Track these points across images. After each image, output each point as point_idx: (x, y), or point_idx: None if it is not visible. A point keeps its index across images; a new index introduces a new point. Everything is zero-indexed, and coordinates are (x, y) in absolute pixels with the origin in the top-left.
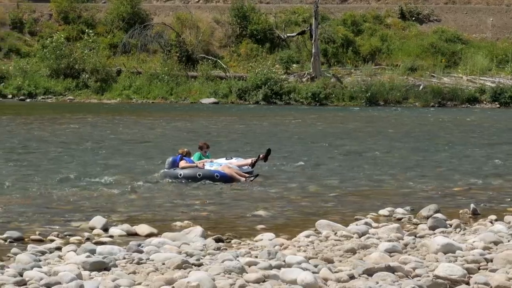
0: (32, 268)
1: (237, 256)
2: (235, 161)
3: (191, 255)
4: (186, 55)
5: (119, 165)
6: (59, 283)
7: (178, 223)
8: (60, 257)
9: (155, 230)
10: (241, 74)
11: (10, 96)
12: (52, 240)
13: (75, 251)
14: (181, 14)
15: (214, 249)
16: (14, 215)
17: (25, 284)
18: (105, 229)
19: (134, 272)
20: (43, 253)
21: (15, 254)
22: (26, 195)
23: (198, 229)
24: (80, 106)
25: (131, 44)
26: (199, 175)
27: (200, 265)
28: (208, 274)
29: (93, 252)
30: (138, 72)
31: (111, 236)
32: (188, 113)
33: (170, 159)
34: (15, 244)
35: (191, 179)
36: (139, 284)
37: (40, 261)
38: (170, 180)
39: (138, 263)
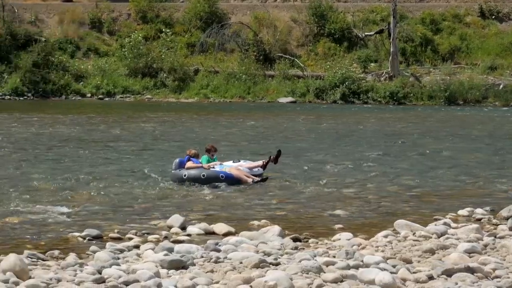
0: (110, 266)
1: (315, 256)
2: (245, 164)
3: (268, 254)
4: (264, 54)
5: None
6: (137, 281)
7: (256, 222)
8: (138, 255)
9: (232, 229)
10: (319, 73)
11: (89, 95)
12: (130, 238)
13: (153, 249)
14: (258, 13)
15: (291, 249)
16: (93, 213)
17: (104, 281)
18: (183, 227)
19: (211, 271)
20: (121, 251)
21: (94, 252)
22: (104, 193)
23: (276, 228)
24: (158, 105)
25: (208, 43)
26: (204, 175)
27: (277, 264)
28: (286, 273)
29: (171, 250)
30: (216, 71)
31: (189, 235)
32: (265, 112)
33: (177, 160)
34: (94, 242)
35: (195, 180)
36: (217, 282)
37: (118, 259)
38: (176, 182)
39: (215, 262)
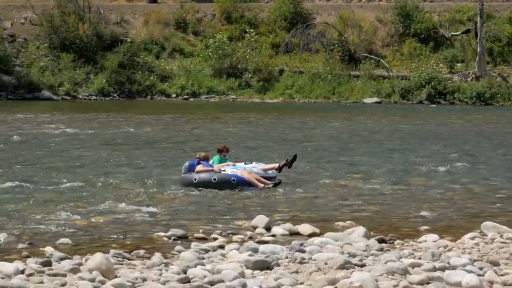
0: (195, 266)
1: (401, 257)
2: (258, 166)
3: (353, 256)
4: (349, 54)
5: None
6: (222, 281)
7: (341, 223)
8: (223, 255)
9: (317, 230)
10: (404, 74)
11: (174, 95)
12: (215, 239)
13: (238, 249)
14: (343, 13)
15: (377, 250)
16: (178, 213)
17: (189, 281)
18: (268, 228)
19: (296, 272)
20: (206, 251)
21: (179, 251)
22: (189, 194)
23: (361, 229)
24: (243, 105)
25: (293, 44)
26: (215, 179)
27: (363, 265)
28: (371, 274)
29: (255, 251)
30: (300, 71)
31: (273, 235)
32: (350, 112)
33: (187, 163)
34: (179, 241)
35: (206, 184)
36: (302, 283)
37: (203, 259)
38: (186, 186)
39: (300, 263)
